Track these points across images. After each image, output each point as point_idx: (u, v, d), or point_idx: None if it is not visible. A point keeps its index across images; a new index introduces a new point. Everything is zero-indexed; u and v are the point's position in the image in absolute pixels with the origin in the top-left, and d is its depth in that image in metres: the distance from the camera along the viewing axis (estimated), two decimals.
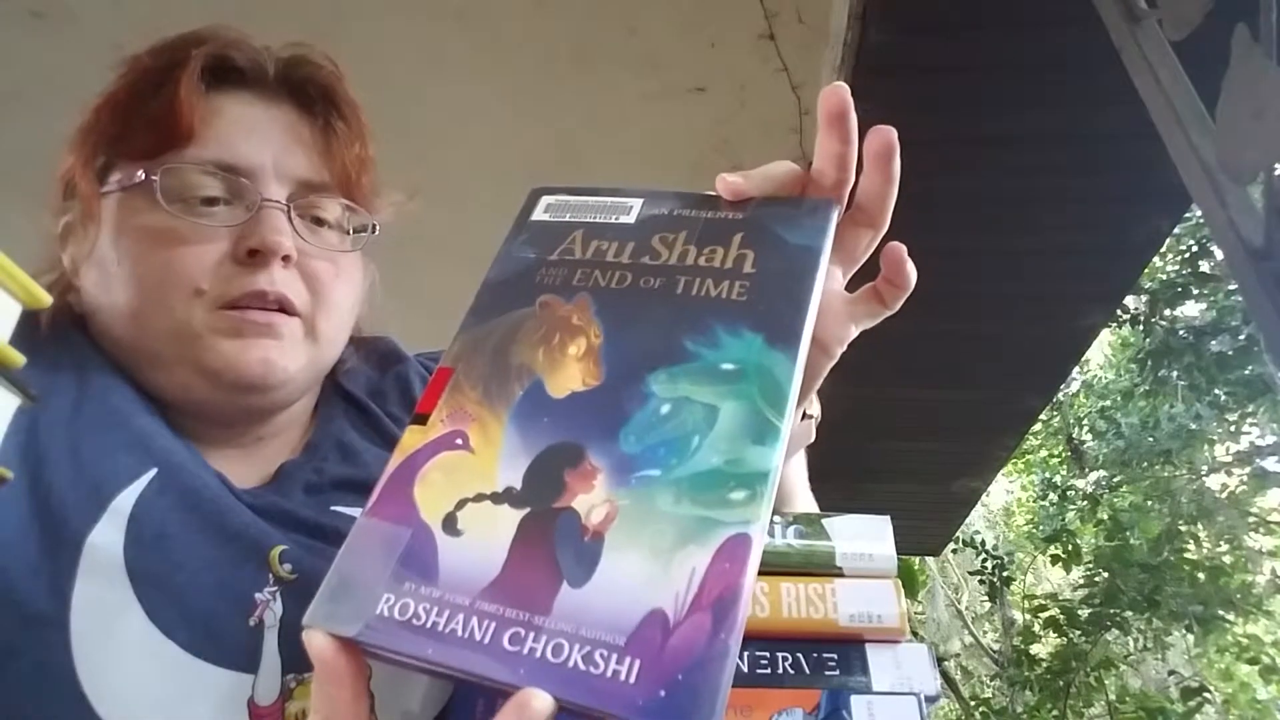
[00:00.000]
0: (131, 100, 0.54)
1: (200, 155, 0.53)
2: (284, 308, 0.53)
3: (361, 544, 0.35)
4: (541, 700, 0.29)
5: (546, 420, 0.37)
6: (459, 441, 0.37)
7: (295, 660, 0.47)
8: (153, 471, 0.49)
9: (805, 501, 0.64)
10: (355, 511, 0.56)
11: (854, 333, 0.50)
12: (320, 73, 0.59)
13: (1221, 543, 6.41)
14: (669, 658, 0.29)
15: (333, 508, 0.56)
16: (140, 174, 0.52)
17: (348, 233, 0.59)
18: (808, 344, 0.38)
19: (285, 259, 0.53)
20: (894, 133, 0.44)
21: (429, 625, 0.32)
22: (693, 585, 0.31)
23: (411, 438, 0.38)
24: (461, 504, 0.35)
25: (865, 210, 0.46)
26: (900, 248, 0.48)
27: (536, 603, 0.32)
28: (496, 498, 0.35)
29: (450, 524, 0.35)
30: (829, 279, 0.46)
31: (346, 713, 0.33)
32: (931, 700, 0.43)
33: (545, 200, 0.47)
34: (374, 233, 0.61)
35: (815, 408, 0.61)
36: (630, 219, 0.45)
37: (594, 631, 0.30)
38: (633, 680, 0.29)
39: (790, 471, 0.62)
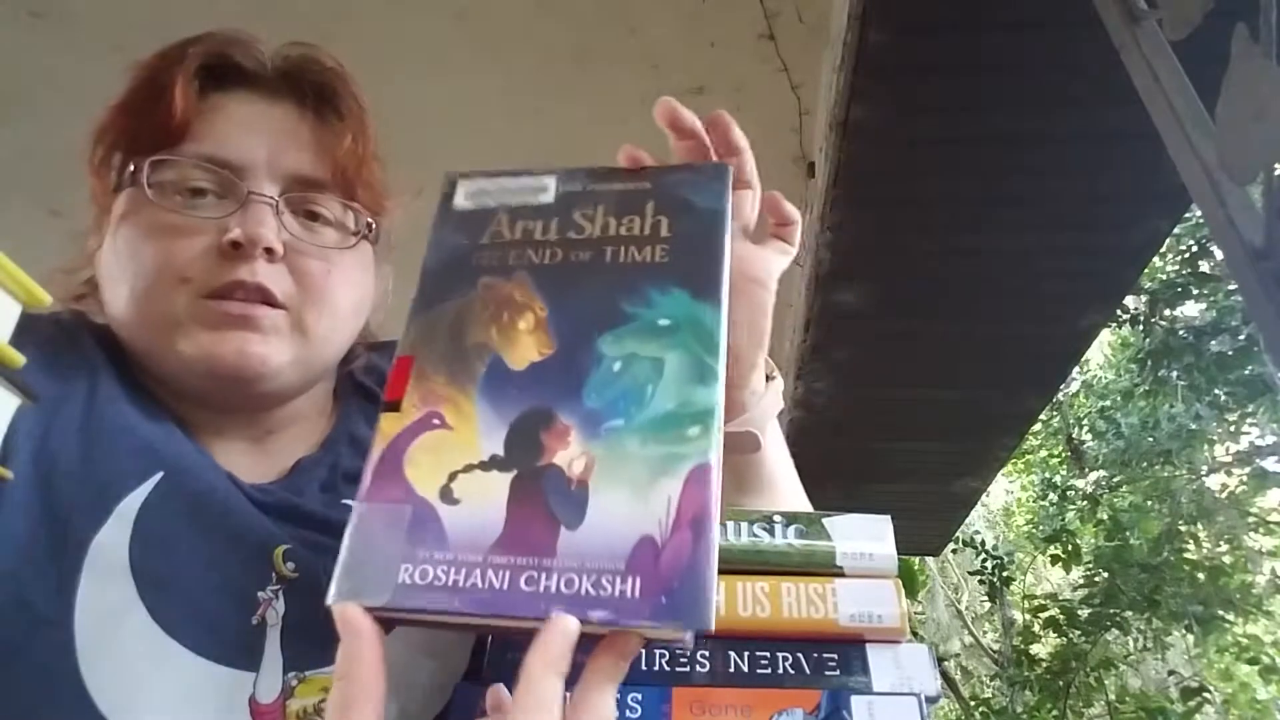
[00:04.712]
0: (135, 100, 0.56)
1: (193, 150, 0.54)
2: (266, 299, 0.53)
3: (367, 527, 0.38)
4: (571, 623, 0.34)
5: (513, 391, 0.40)
6: (436, 421, 0.40)
7: (297, 658, 0.48)
8: (159, 475, 0.49)
9: (791, 480, 0.61)
10: None
11: (778, 266, 0.58)
12: (322, 72, 0.60)
13: (1221, 543, 6.39)
14: (664, 571, 0.34)
15: (344, 501, 0.56)
16: (131, 167, 0.54)
17: (353, 232, 0.59)
18: (728, 292, 0.43)
19: (269, 252, 0.53)
20: (718, 117, 0.55)
21: (450, 583, 0.35)
22: (671, 510, 0.36)
23: (389, 424, 0.40)
24: (453, 476, 0.38)
25: (738, 178, 0.53)
26: (775, 195, 0.58)
27: (542, 548, 0.36)
28: (484, 465, 0.38)
29: (447, 495, 0.38)
30: (737, 235, 0.54)
31: (369, 683, 0.34)
32: (932, 700, 0.43)
33: (463, 186, 0.50)
34: (372, 231, 0.61)
35: (776, 370, 0.62)
36: (549, 198, 0.48)
37: (596, 563, 0.35)
38: (637, 595, 0.34)
39: (772, 450, 0.59)
